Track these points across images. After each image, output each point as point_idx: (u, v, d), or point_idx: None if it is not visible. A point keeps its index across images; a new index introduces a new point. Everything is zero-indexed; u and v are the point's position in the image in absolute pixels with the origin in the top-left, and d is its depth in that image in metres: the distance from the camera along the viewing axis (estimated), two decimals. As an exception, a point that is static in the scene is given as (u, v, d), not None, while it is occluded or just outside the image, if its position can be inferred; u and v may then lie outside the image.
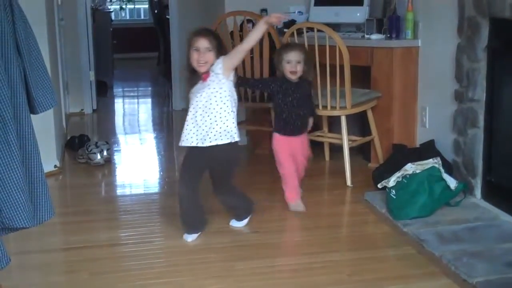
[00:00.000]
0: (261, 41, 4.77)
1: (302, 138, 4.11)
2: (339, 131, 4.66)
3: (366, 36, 4.91)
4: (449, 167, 4.07)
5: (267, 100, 4.90)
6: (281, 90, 3.98)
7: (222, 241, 3.60)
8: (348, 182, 4.51)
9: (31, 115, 2.33)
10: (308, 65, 4.01)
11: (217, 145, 3.36)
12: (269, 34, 4.76)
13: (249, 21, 4.95)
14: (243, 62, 4.85)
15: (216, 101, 3.35)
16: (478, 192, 3.93)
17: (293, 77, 3.95)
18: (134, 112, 8.13)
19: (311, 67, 4.11)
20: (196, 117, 3.37)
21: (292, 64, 3.92)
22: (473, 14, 3.85)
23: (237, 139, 3.42)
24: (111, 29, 9.60)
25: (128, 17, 13.42)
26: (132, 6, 13.39)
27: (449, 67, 4.18)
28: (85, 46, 7.36)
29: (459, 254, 3.16)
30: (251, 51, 4.82)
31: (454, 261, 3.09)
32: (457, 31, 4.04)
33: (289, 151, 4.02)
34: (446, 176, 3.78)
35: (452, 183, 3.77)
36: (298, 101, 3.99)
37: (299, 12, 5.54)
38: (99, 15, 8.88)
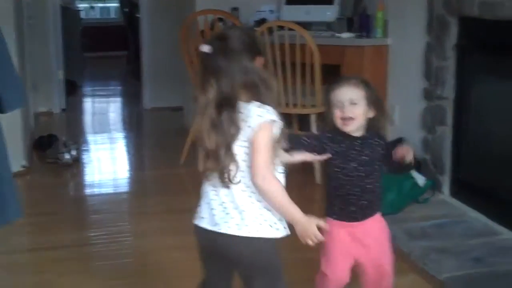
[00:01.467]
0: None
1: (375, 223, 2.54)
2: (309, 129, 4.67)
3: (337, 34, 4.92)
4: (418, 165, 4.10)
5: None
6: (339, 151, 2.44)
7: (191, 240, 3.58)
8: (318, 180, 4.51)
9: (-2, 115, 2.30)
10: (377, 107, 2.44)
11: None
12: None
13: (220, 19, 4.93)
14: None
15: None
16: (446, 189, 3.97)
17: (348, 128, 2.40)
18: (103, 111, 8.06)
19: (383, 111, 2.49)
20: None
21: (344, 107, 2.38)
22: (442, 12, 3.87)
23: None
24: (81, 28, 9.52)
25: (98, 16, 13.32)
26: (102, 5, 13.30)
27: (418, 65, 4.21)
28: (54, 45, 7.29)
29: (427, 251, 3.19)
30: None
31: (423, 257, 3.11)
32: (426, 29, 4.06)
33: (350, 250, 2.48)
34: (414, 174, 3.81)
35: (420, 180, 3.80)
36: (366, 169, 2.44)
37: (270, 10, 5.54)
38: (69, 14, 8.78)
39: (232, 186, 1.97)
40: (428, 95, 4.08)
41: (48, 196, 4.47)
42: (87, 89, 9.23)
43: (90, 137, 6.41)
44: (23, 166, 4.84)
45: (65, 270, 3.20)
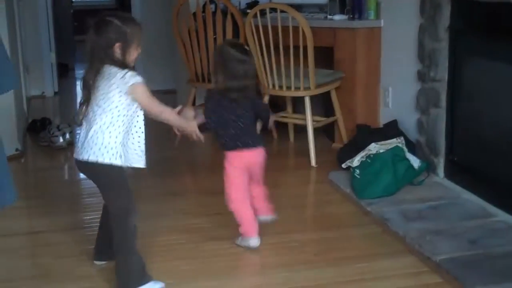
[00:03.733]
0: (223, 22, 4.74)
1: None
2: (303, 111, 4.66)
3: (329, 16, 4.91)
4: (412, 147, 4.11)
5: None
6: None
7: (188, 223, 3.60)
8: (313, 163, 4.52)
9: (-9, 98, 2.29)
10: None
11: None
12: (232, 15, 4.73)
13: (211, 1, 4.91)
14: (206, 44, 4.82)
15: None
16: (441, 171, 3.98)
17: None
18: (96, 95, 8.01)
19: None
20: None
21: None
22: (435, -6, 3.87)
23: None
24: (72, 10, 9.45)
25: (89, -2, 13.23)
26: (93, -13, 13.21)
27: (412, 47, 4.20)
28: (45, 27, 7.26)
29: (422, 233, 3.20)
30: (214, 32, 4.80)
31: (418, 239, 3.13)
32: (419, 11, 4.05)
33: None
34: (409, 156, 3.82)
35: (415, 162, 3.81)
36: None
37: (262, -8, 5.52)
38: (60, -4, 8.73)
39: None
40: (421, 77, 4.08)
41: (42, 180, 4.46)
42: (79, 72, 9.17)
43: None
44: (17, 150, 4.82)
45: (60, 253, 3.20)
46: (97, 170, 2.68)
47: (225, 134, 3.11)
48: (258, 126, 3.34)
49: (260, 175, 3.27)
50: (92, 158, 2.63)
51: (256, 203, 3.28)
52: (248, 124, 3.13)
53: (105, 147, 2.62)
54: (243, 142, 3.12)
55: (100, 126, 2.62)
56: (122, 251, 2.73)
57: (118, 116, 2.63)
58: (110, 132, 2.63)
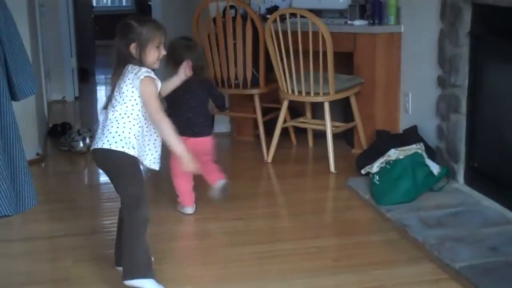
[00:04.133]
0: (243, 27, 4.75)
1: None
2: (322, 117, 4.66)
3: (349, 22, 4.90)
4: (432, 153, 4.09)
5: (251, 86, 4.88)
6: None
7: (207, 228, 3.60)
8: (332, 168, 4.51)
9: (13, 103, 2.31)
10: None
11: None
12: (252, 21, 4.74)
13: (232, 7, 4.92)
14: (225, 49, 4.83)
15: None
16: (460, 177, 3.95)
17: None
18: (116, 99, 8.06)
19: None
20: None
21: None
22: (455, -1, 3.85)
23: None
24: (93, 16, 9.51)
25: (109, 4, 13.31)
26: (113, -7, 13.30)
27: (432, 53, 4.19)
28: (66, 33, 7.30)
29: (442, 239, 3.18)
30: (234, 37, 4.80)
31: (438, 246, 3.11)
32: (440, 16, 4.04)
33: None
34: (429, 162, 3.80)
35: (435, 168, 3.79)
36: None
37: (282, -2, 5.52)
38: (80, 2, 8.79)
39: None
40: (442, 82, 4.06)
41: (62, 184, 4.49)
42: (99, 77, 9.25)
43: (103, 125, 6.41)
44: (38, 154, 4.86)
45: (80, 257, 3.22)
46: (110, 158, 2.73)
47: (178, 116, 3.36)
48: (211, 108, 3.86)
49: (209, 157, 3.70)
50: (105, 145, 2.70)
51: (208, 175, 3.67)
52: (200, 103, 3.69)
53: (119, 135, 2.70)
54: (192, 131, 3.63)
55: (116, 117, 2.72)
56: (130, 240, 2.76)
57: (133, 109, 2.72)
58: (124, 123, 2.71)
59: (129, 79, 2.72)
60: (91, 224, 3.67)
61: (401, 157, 3.77)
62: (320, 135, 4.95)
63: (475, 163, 3.86)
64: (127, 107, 2.71)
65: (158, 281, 2.78)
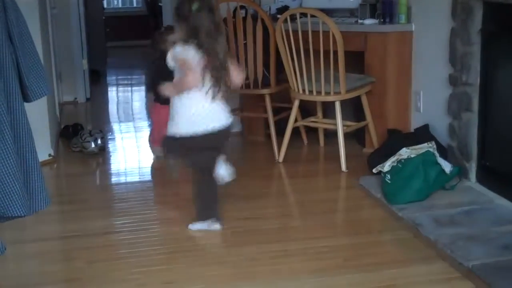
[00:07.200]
0: (254, 27, 4.76)
1: None
2: (333, 116, 4.66)
3: (360, 21, 4.90)
4: (444, 151, 4.08)
5: (261, 86, 4.89)
6: None
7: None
8: (343, 168, 4.51)
9: (25, 104, 2.32)
10: None
11: None
12: (263, 20, 4.74)
13: (242, 7, 4.92)
14: (236, 48, 4.84)
15: None
16: (473, 175, 3.94)
17: None
18: (127, 100, 8.10)
19: None
20: None
21: None
22: (466, -3, 3.84)
23: None
24: (104, 17, 9.55)
25: (120, 5, 13.35)
26: (124, -6, 13.35)
27: (443, 51, 4.18)
28: (78, 34, 7.33)
29: (454, 238, 3.17)
30: (244, 37, 4.81)
31: (450, 244, 3.10)
32: (451, 14, 4.03)
33: None
34: (441, 160, 3.79)
35: (447, 167, 3.78)
36: None
37: (292, -3, 5.52)
38: (91, 3, 8.82)
39: None
40: (453, 81, 4.05)
41: (74, 185, 4.51)
42: (111, 78, 9.28)
43: (115, 126, 6.45)
44: (50, 155, 4.88)
45: (93, 257, 3.23)
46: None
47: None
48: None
49: None
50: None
51: None
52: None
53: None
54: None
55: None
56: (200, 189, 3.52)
57: None
58: None
59: None
60: (103, 225, 3.68)
61: (412, 156, 3.76)
62: (331, 135, 4.95)
63: (487, 162, 3.85)
64: None
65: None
